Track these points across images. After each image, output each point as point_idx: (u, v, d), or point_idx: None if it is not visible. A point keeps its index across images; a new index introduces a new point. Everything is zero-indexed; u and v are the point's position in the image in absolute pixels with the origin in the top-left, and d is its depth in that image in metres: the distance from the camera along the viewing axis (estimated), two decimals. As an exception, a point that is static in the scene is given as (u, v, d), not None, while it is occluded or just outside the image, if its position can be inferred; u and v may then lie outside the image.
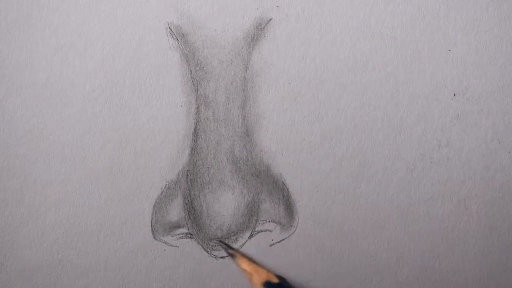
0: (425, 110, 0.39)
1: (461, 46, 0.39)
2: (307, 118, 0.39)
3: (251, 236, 0.39)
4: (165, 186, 0.39)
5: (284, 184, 0.39)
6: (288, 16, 0.40)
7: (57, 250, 0.39)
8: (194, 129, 0.39)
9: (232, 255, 0.38)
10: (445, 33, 0.40)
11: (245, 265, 0.38)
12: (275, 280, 0.37)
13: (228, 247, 0.39)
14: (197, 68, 0.39)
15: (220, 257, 0.39)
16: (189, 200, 0.39)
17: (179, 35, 0.39)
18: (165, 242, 0.39)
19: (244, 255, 0.39)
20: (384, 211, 0.39)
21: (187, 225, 0.39)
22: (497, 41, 0.39)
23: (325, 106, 0.39)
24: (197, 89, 0.39)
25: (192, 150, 0.39)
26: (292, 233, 0.39)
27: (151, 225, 0.39)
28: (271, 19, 0.40)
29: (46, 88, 0.39)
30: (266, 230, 0.39)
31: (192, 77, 0.39)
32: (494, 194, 0.39)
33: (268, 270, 0.38)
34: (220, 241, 0.39)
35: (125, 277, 0.39)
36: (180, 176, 0.39)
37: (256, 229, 0.39)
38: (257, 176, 0.39)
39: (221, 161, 0.39)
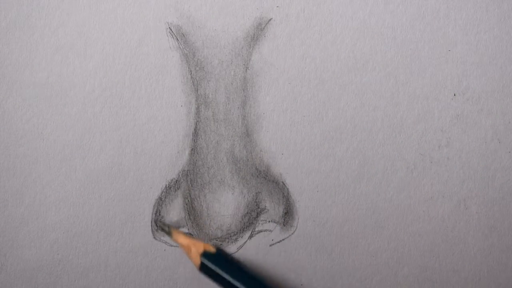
0: (425, 110, 0.39)
1: (461, 46, 0.39)
2: (307, 118, 0.39)
3: (251, 236, 0.39)
4: (165, 186, 0.39)
5: (284, 184, 0.39)
6: (288, 16, 0.40)
7: (57, 250, 0.39)
8: (194, 129, 0.39)
9: (167, 232, 0.38)
10: (445, 33, 0.40)
11: (182, 239, 0.38)
12: (212, 249, 0.37)
13: (163, 224, 0.39)
14: (197, 68, 0.39)
15: (220, 257, 0.39)
16: (189, 200, 0.39)
17: (179, 35, 0.39)
18: (165, 242, 0.39)
19: (179, 230, 0.39)
20: (384, 211, 0.39)
21: (187, 225, 0.39)
22: (497, 41, 0.39)
23: (325, 106, 0.39)
24: (197, 89, 0.39)
25: (192, 150, 0.39)
26: (292, 233, 0.39)
27: (151, 225, 0.39)
28: (271, 19, 0.40)
29: (46, 88, 0.39)
30: (266, 230, 0.39)
31: (192, 77, 0.39)
32: (494, 194, 0.39)
33: (204, 242, 0.38)
34: (155, 222, 0.39)
35: (125, 277, 0.39)
36: (180, 176, 0.39)
37: (256, 229, 0.39)
38: (257, 176, 0.39)
39: (221, 161, 0.39)
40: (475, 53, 0.39)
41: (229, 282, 0.36)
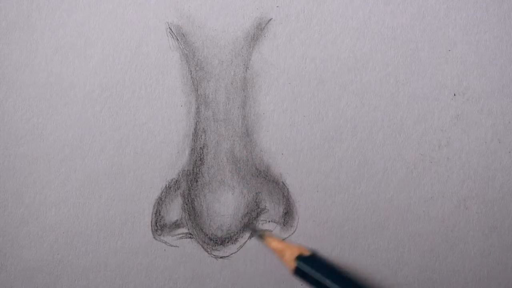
0: (425, 110, 0.39)
1: (461, 46, 0.39)
2: (307, 118, 0.39)
3: (251, 236, 0.39)
4: (165, 186, 0.39)
5: (284, 184, 0.39)
6: (288, 16, 0.40)
7: (57, 250, 0.39)
8: (194, 129, 0.39)
9: (260, 236, 0.38)
10: (445, 33, 0.40)
11: (275, 243, 0.38)
12: (307, 252, 0.37)
13: (255, 228, 0.39)
14: (197, 68, 0.39)
15: (220, 257, 0.39)
16: (189, 200, 0.39)
17: (179, 35, 0.39)
18: (165, 242, 0.39)
19: (272, 235, 0.39)
20: (384, 211, 0.39)
21: (187, 225, 0.39)
22: (497, 41, 0.39)
23: (325, 106, 0.39)
24: (197, 89, 0.39)
25: (192, 150, 0.39)
26: (292, 233, 0.39)
27: (151, 225, 0.39)
28: (271, 19, 0.40)
29: (46, 88, 0.39)
30: (266, 230, 0.39)
31: (192, 77, 0.39)
32: (494, 194, 0.39)
33: (299, 245, 0.38)
34: (247, 225, 0.39)
35: (125, 277, 0.39)
36: (180, 176, 0.39)
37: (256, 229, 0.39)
38: (257, 176, 0.39)
39: (221, 161, 0.39)
40: (475, 53, 0.39)
41: (325, 285, 0.35)
